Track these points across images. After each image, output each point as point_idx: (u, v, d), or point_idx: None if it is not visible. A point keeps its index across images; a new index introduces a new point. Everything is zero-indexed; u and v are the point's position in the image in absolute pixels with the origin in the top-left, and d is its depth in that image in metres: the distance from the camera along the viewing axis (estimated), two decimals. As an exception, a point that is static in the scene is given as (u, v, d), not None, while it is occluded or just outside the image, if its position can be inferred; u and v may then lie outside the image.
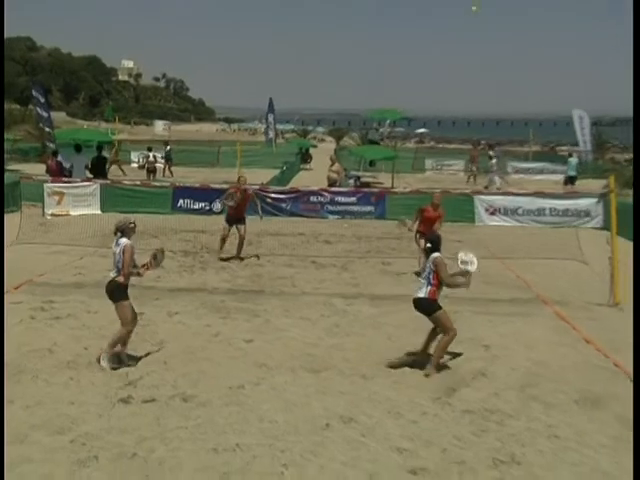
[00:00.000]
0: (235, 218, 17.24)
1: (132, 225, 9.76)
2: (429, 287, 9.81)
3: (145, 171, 35.69)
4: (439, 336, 9.89)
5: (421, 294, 9.86)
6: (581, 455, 7.38)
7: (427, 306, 9.81)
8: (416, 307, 9.95)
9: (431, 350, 9.95)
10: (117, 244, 9.58)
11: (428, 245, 10.17)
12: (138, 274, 9.84)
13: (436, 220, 16.52)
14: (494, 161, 35.00)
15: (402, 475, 6.88)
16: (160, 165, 37.81)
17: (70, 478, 6.71)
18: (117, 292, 9.53)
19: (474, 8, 17.41)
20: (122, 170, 36.64)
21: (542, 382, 9.42)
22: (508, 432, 7.88)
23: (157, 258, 10.13)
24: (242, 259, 17.16)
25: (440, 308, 9.80)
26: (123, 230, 9.64)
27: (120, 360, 9.61)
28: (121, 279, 9.50)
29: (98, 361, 9.49)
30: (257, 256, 17.54)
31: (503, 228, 22.14)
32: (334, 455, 7.23)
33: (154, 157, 36.40)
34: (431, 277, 9.83)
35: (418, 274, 16.36)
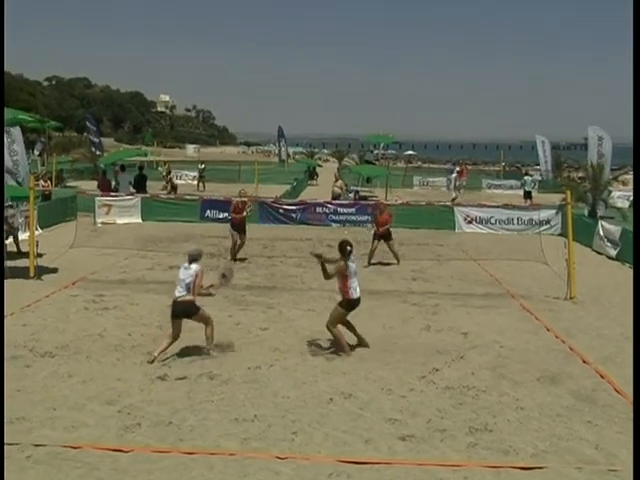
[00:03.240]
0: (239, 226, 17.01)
1: (201, 254, 9.65)
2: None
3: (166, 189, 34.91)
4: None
5: None
6: (541, 423, 7.39)
7: None
8: None
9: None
10: (188, 268, 9.27)
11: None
12: (209, 294, 9.56)
13: (386, 222, 17.01)
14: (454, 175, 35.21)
15: (393, 441, 6.88)
16: (181, 182, 38.77)
17: (119, 440, 6.76)
18: (192, 308, 9.23)
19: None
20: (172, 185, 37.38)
21: (510, 363, 9.42)
22: (482, 405, 7.89)
23: (226, 277, 9.85)
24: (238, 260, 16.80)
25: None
26: (195, 258, 9.36)
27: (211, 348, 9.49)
28: (192, 297, 9.19)
29: (209, 354, 9.31)
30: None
31: (478, 234, 22.23)
32: (336, 425, 7.24)
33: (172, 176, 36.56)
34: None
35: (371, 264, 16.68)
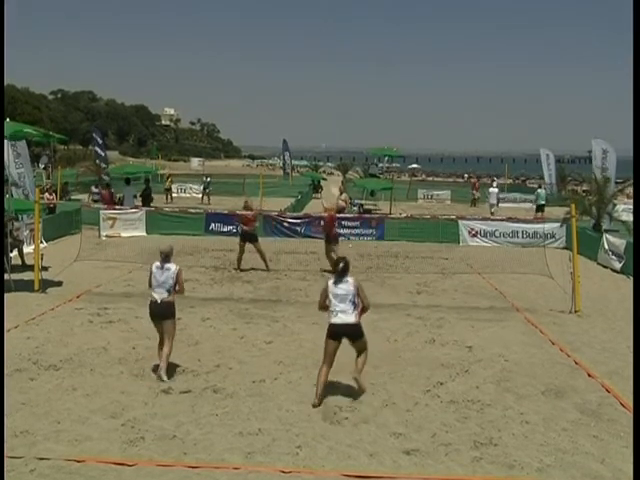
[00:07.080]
0: (248, 235, 17.41)
1: (173, 250, 9.28)
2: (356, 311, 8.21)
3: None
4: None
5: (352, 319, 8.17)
6: (546, 437, 7.35)
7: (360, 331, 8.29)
8: (347, 333, 8.20)
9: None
10: (166, 268, 8.98)
11: (342, 266, 8.28)
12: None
13: (333, 221, 17.29)
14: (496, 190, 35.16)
15: (398, 455, 6.85)
16: (186, 195, 40.80)
17: (122, 454, 6.74)
18: (172, 310, 9.00)
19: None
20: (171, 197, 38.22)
21: (515, 377, 9.40)
22: (487, 419, 7.86)
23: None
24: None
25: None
26: (168, 255, 9.11)
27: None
28: (172, 299, 8.97)
29: (160, 379, 8.80)
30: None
31: (483, 247, 22.20)
32: (341, 438, 7.22)
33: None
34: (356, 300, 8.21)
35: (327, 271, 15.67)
